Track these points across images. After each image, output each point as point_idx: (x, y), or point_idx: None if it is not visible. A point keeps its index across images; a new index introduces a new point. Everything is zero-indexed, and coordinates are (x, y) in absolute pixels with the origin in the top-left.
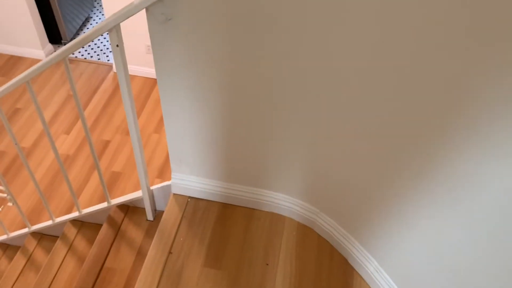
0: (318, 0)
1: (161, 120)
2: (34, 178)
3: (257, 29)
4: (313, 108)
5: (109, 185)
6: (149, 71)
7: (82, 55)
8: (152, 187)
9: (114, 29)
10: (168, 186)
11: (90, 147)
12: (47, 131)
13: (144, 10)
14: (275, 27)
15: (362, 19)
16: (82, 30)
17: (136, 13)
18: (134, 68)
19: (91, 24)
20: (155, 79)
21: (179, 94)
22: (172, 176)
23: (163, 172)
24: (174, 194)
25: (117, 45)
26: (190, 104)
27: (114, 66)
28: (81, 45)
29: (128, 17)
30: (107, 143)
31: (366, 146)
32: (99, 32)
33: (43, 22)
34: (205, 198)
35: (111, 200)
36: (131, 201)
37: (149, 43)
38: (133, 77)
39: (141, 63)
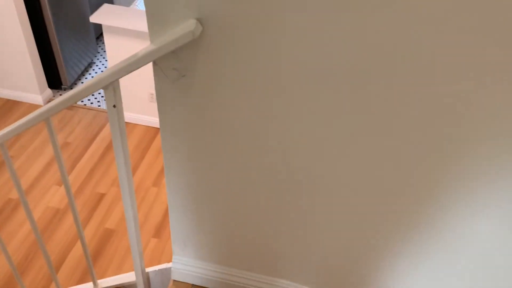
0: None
1: (161, 172)
2: (7, 252)
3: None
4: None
5: (100, 244)
6: (151, 120)
7: (82, 101)
8: (148, 270)
9: (111, 86)
10: (168, 270)
11: (76, 220)
12: (23, 199)
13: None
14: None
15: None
16: (84, 75)
17: (140, 67)
18: (135, 117)
19: (93, 69)
20: (157, 128)
21: (187, 170)
22: (173, 259)
23: (161, 231)
24: (174, 280)
25: (114, 106)
26: (200, 183)
27: None
28: (69, 103)
29: (130, 72)
30: (101, 196)
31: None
32: (92, 89)
33: (43, 65)
34: (211, 287)
35: (98, 282)
36: (123, 285)
37: (153, 90)
38: (134, 126)
39: (143, 111)
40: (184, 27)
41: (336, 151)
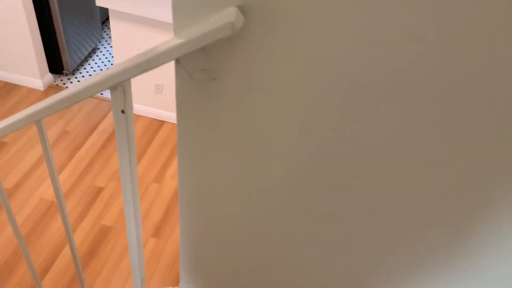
0: None
1: (163, 168)
2: None
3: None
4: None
5: (96, 242)
6: (156, 112)
7: None
8: None
9: (120, 87)
10: None
11: (65, 225)
12: (5, 204)
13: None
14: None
15: None
16: (87, 61)
17: (159, 65)
18: (139, 108)
19: (97, 55)
20: (162, 121)
21: (203, 190)
22: (180, 286)
23: (161, 230)
24: None
25: (123, 111)
26: (218, 205)
27: None
28: (66, 104)
29: (146, 71)
30: (100, 190)
31: None
32: (95, 89)
33: (44, 48)
34: None
35: None
36: None
37: (159, 82)
38: (138, 117)
39: (147, 102)
40: (221, 17)
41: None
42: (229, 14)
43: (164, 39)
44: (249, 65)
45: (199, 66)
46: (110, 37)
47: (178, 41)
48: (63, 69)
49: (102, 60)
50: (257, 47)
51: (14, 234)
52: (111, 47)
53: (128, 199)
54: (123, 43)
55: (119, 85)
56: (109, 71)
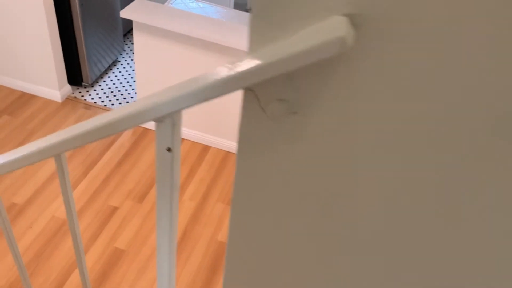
0: None
1: (181, 187)
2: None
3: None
4: None
5: (108, 266)
6: (199, 136)
7: (103, 101)
8: None
9: (169, 119)
10: None
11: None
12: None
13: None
14: None
15: None
16: (107, 73)
17: (224, 94)
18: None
19: (117, 68)
20: (205, 145)
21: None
22: None
23: (177, 255)
24: None
25: (169, 149)
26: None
27: None
28: (97, 137)
29: (204, 101)
30: (114, 210)
31: None
32: (137, 120)
33: (64, 60)
34: None
35: None
36: None
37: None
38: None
39: (190, 124)
40: (322, 30)
41: None
42: (336, 26)
43: (191, 55)
44: (352, 94)
45: (277, 95)
46: (131, 50)
47: (255, 62)
48: (82, 81)
49: (122, 73)
50: (367, 70)
51: (15, 263)
52: (132, 60)
53: (164, 256)
54: (146, 57)
55: (168, 117)
56: (156, 98)
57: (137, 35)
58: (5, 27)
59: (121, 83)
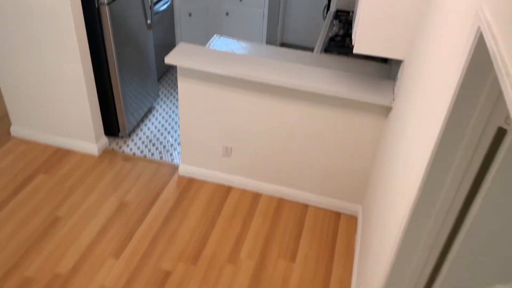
0: None
1: (236, 244)
2: None
3: None
4: None
5: None
6: (223, 177)
7: (142, 151)
8: None
9: None
10: None
11: None
12: None
13: None
14: None
15: None
16: (143, 122)
17: None
18: (204, 172)
19: (153, 115)
20: (229, 187)
21: None
22: None
23: None
24: None
25: None
26: None
27: (180, 167)
28: None
29: None
30: (167, 275)
31: None
32: None
33: (101, 112)
34: None
35: None
36: None
37: (228, 143)
38: (202, 183)
39: (214, 165)
40: None
41: None
42: None
43: (233, 96)
44: None
45: None
46: (165, 95)
47: None
48: (119, 131)
49: (158, 120)
50: None
51: None
52: (167, 106)
53: None
54: (190, 101)
55: None
56: None
57: (181, 81)
58: (40, 80)
59: (158, 130)
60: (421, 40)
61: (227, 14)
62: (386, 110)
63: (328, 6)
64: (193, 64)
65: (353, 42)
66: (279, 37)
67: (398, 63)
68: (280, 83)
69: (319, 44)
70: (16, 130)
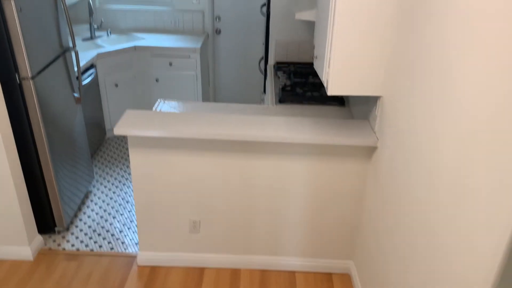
0: None
1: None
2: None
3: None
4: None
5: None
6: (193, 258)
7: (86, 245)
8: None
9: None
10: None
11: None
12: None
13: None
14: None
15: None
16: (80, 210)
17: None
18: (170, 256)
19: (92, 201)
20: (201, 268)
21: None
22: None
23: None
24: None
25: None
26: None
27: (138, 256)
28: None
29: None
30: None
31: None
32: None
33: (32, 206)
34: None
35: None
36: None
37: (195, 217)
38: (168, 270)
39: (181, 247)
40: None
41: None
42: None
43: (196, 161)
44: None
45: None
46: (100, 175)
47: None
48: (55, 225)
49: (99, 204)
50: None
51: None
52: (105, 187)
53: None
54: (144, 174)
55: None
56: None
57: (134, 153)
58: None
59: (101, 217)
60: (408, 68)
61: (157, 80)
62: (369, 152)
63: (266, 60)
64: (148, 131)
65: (325, 84)
66: (212, 98)
67: (360, 102)
68: (249, 137)
69: (271, 96)
70: None
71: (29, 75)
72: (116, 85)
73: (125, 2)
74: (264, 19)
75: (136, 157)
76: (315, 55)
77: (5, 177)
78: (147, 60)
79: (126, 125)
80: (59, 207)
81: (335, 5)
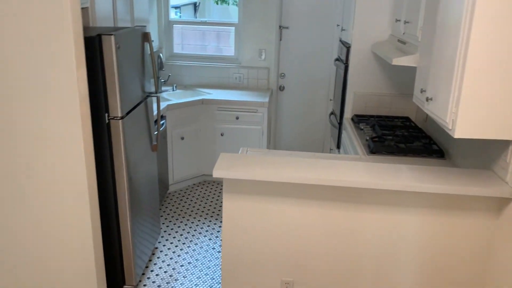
0: None
1: None
2: None
3: None
4: None
5: None
6: None
7: None
8: None
9: None
10: None
11: None
12: None
13: None
14: None
15: None
16: (147, 267)
17: None
18: None
19: (159, 258)
20: None
21: None
22: None
23: None
24: None
25: None
26: None
27: None
28: None
29: None
30: None
31: None
32: None
33: (104, 261)
34: None
35: None
36: None
37: (288, 277)
38: None
39: None
40: None
41: None
42: None
43: (294, 210)
44: None
45: None
46: (164, 230)
47: None
48: (124, 283)
49: (166, 261)
50: None
51: None
52: (171, 243)
53: None
54: (237, 225)
55: None
56: None
57: (228, 199)
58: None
59: (171, 275)
60: None
61: (222, 134)
62: (498, 204)
63: (341, 113)
64: (250, 173)
65: (450, 126)
66: None
67: (472, 154)
68: (359, 184)
69: (359, 148)
70: None
71: (119, 114)
72: (182, 138)
73: (191, 59)
74: (328, 74)
75: (229, 204)
76: (428, 97)
77: (85, 231)
78: (214, 113)
79: (225, 167)
80: (131, 263)
81: (466, 41)
